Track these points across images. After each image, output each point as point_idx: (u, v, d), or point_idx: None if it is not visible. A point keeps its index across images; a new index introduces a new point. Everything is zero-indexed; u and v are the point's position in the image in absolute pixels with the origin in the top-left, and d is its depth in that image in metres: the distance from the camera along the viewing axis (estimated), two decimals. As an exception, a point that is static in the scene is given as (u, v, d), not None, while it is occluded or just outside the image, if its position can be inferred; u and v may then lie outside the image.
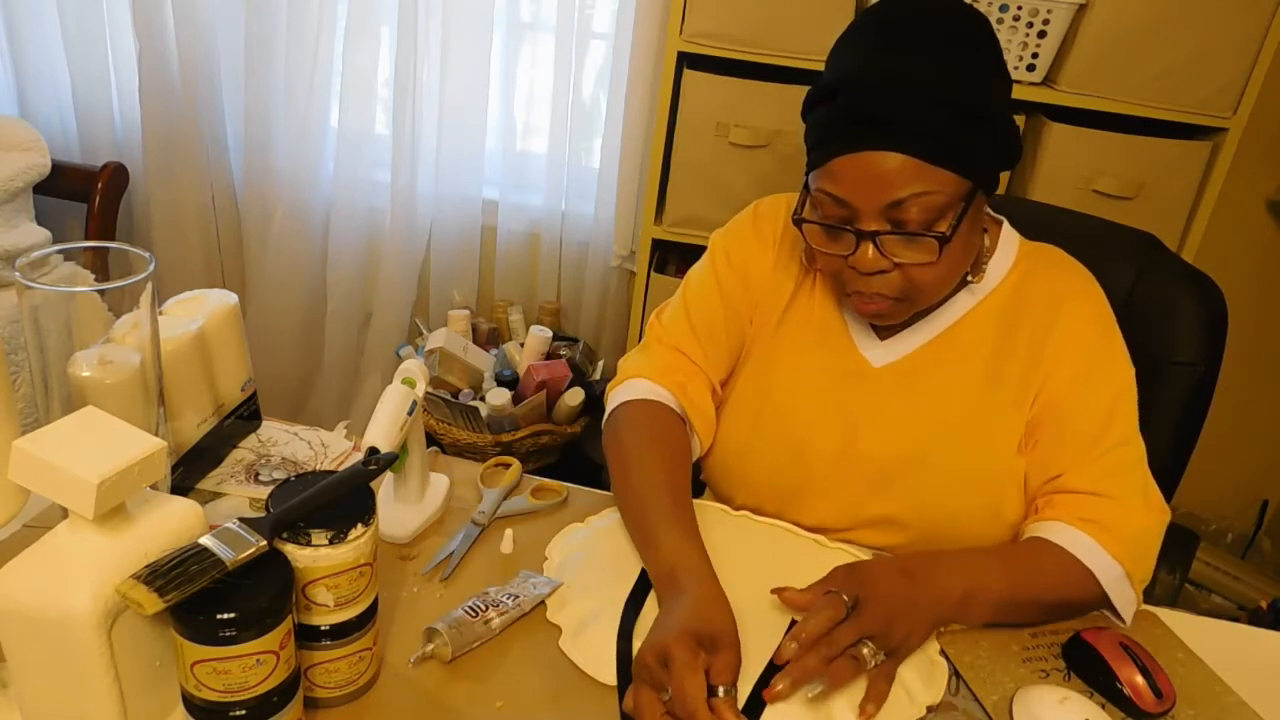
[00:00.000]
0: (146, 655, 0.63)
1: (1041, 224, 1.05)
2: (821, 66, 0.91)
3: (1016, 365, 0.94)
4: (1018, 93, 1.66)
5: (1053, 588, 0.86)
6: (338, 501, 0.68)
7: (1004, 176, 1.67)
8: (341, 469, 0.73)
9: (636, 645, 0.77)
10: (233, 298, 0.96)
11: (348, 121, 2.09)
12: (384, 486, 0.94)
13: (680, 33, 1.74)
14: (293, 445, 1.02)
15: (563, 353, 2.07)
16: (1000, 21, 1.67)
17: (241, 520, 0.63)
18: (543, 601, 0.83)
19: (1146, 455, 0.92)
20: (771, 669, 0.74)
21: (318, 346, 2.29)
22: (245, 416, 1.00)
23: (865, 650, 0.74)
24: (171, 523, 0.64)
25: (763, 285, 1.03)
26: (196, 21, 2.03)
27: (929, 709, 0.76)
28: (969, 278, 0.94)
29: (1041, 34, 1.67)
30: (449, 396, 1.95)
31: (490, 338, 2.16)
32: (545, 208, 2.14)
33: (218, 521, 0.64)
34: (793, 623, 0.79)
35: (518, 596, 0.82)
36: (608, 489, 0.98)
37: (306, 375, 2.33)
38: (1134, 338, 0.95)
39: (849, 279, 0.89)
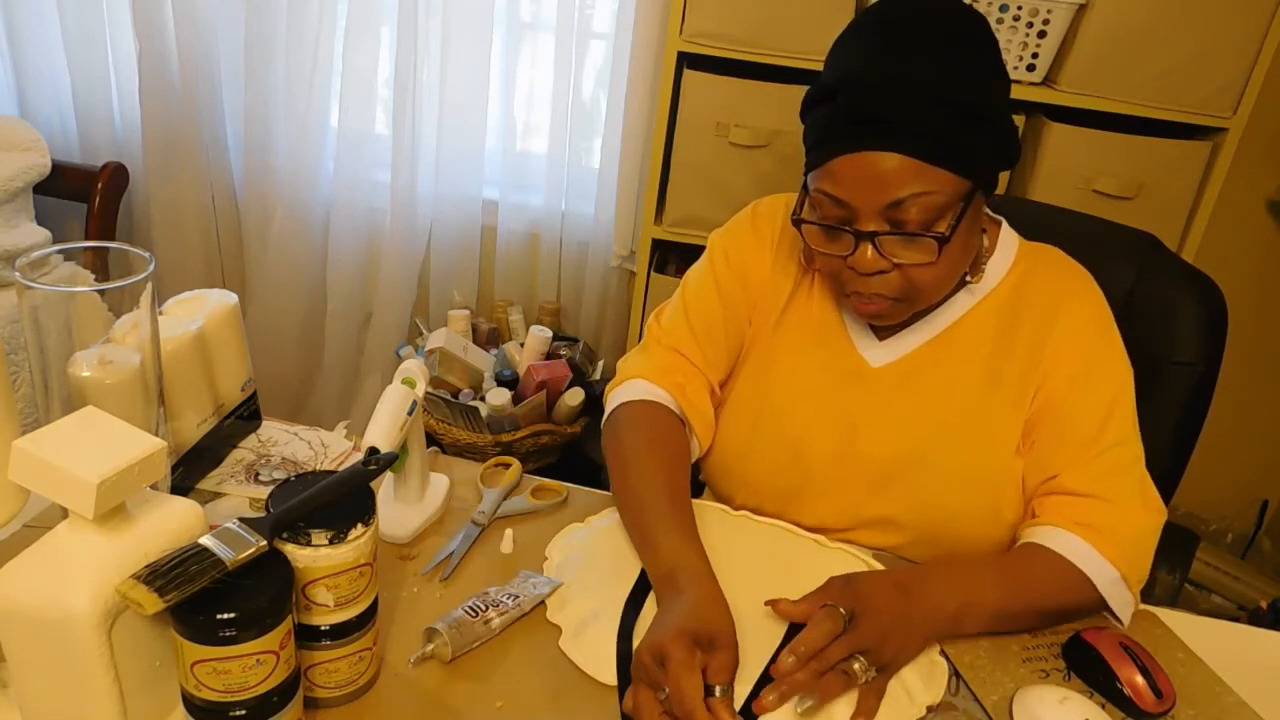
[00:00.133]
0: (146, 655, 0.63)
1: (1041, 224, 1.05)
2: (821, 66, 0.91)
3: (1015, 365, 0.94)
4: (1018, 93, 1.66)
5: (1049, 595, 0.86)
6: (338, 501, 0.68)
7: (1004, 176, 1.67)
8: (341, 469, 0.73)
9: (636, 645, 0.76)
10: (233, 298, 0.96)
11: (348, 121, 2.09)
12: (384, 486, 0.94)
13: (680, 33, 1.74)
14: (293, 445, 1.02)
15: (563, 353, 2.07)
16: (1000, 21, 1.67)
17: (241, 520, 0.63)
18: (543, 601, 0.83)
19: (1145, 456, 0.92)
20: (770, 672, 0.74)
21: (318, 346, 2.29)
22: (245, 416, 1.00)
23: (857, 665, 0.74)
24: (171, 523, 0.64)
25: (761, 285, 1.03)
26: (196, 21, 2.03)
27: (929, 709, 0.76)
28: (968, 278, 0.95)
29: (1041, 34, 1.67)
30: (449, 396, 1.95)
31: (490, 338, 2.16)
32: (545, 208, 2.14)
33: (218, 521, 0.64)
34: (791, 625, 0.79)
35: (518, 596, 0.82)
36: (608, 489, 0.98)
37: (306, 375, 2.33)
38: (1134, 338, 0.95)
39: (848, 279, 0.89)
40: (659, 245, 1.93)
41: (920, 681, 0.78)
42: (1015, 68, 1.70)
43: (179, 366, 0.86)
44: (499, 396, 1.93)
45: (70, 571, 0.58)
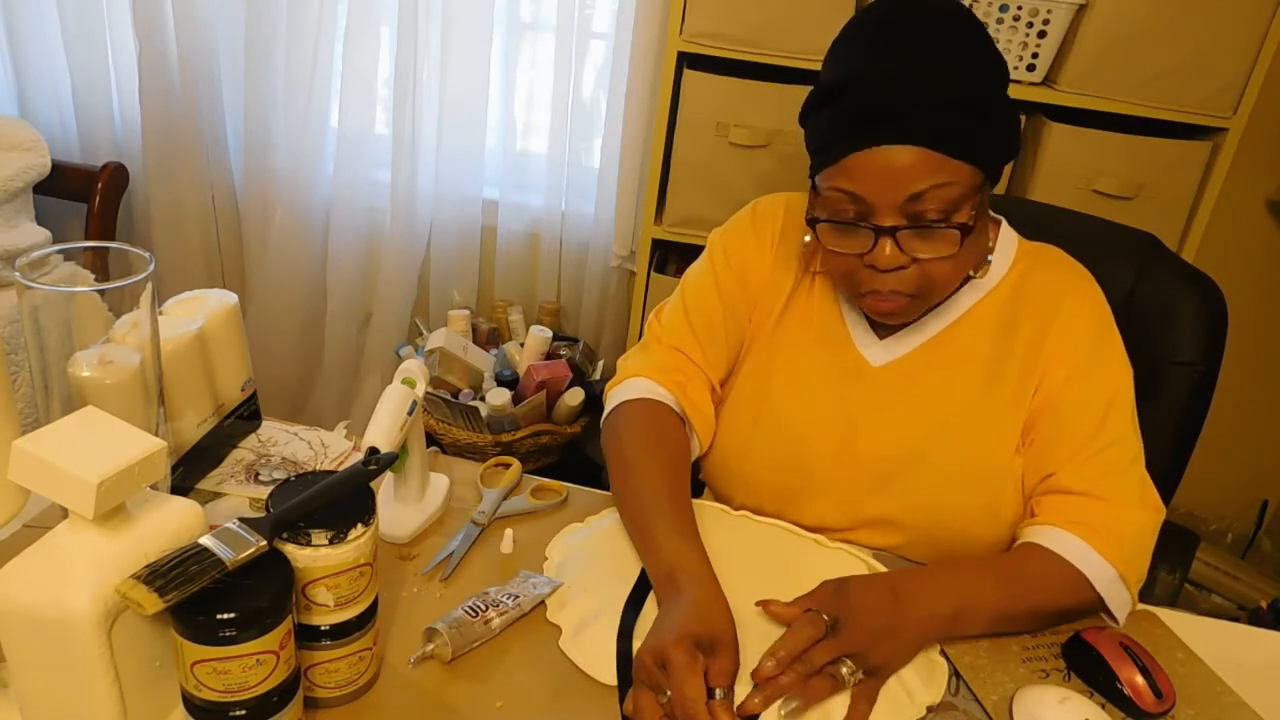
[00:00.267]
0: (146, 655, 0.63)
1: (1041, 224, 1.05)
2: (820, 67, 0.91)
3: (1015, 364, 0.94)
4: (1018, 92, 1.66)
5: (1047, 595, 0.86)
6: (338, 501, 0.68)
7: (1004, 177, 1.67)
8: (341, 469, 0.73)
9: (636, 645, 0.77)
10: (233, 298, 0.96)
11: (348, 121, 2.09)
12: (384, 486, 0.94)
13: (680, 33, 1.74)
14: (293, 445, 1.02)
15: (563, 353, 2.07)
16: (1000, 21, 1.67)
17: (241, 520, 0.63)
18: (543, 601, 0.83)
19: (1145, 456, 0.92)
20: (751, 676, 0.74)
21: (318, 346, 2.29)
22: (245, 416, 1.00)
23: (844, 669, 0.74)
24: (171, 523, 0.64)
25: (761, 285, 1.03)
26: (196, 21, 2.03)
27: (929, 709, 0.76)
28: (973, 273, 0.94)
29: (1041, 34, 1.67)
30: (449, 396, 1.95)
31: (490, 338, 2.16)
32: (545, 208, 2.14)
33: (218, 521, 0.64)
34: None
35: (518, 596, 0.82)
36: (608, 489, 0.98)
37: (306, 375, 2.33)
38: (1134, 338, 0.95)
39: (863, 279, 0.88)
40: (659, 245, 1.93)
41: (920, 681, 0.78)
42: (1015, 68, 1.70)
43: (179, 366, 0.86)
44: (499, 396, 1.93)
45: (70, 571, 0.58)
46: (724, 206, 1.15)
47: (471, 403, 1.93)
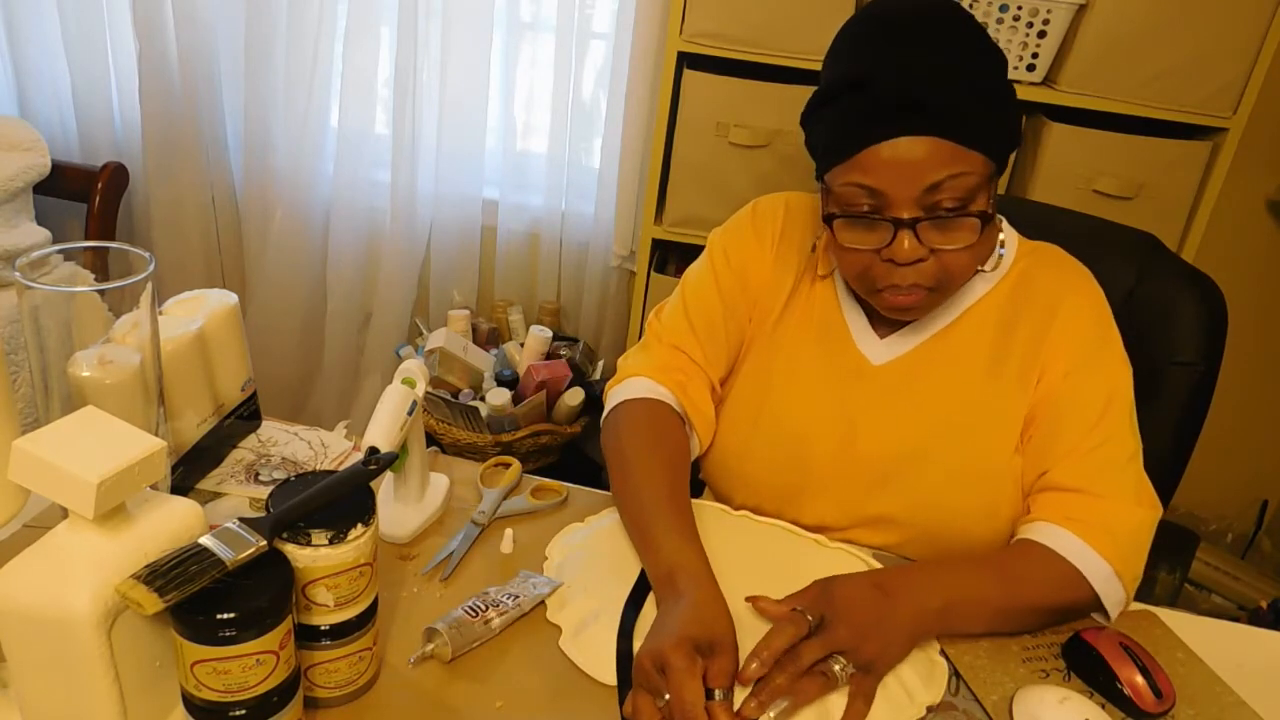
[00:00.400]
0: (146, 655, 0.63)
1: (1041, 224, 1.05)
2: (820, 66, 0.91)
3: (1015, 362, 0.94)
4: (1018, 92, 1.66)
5: (1042, 591, 0.85)
6: (338, 501, 0.68)
7: (1003, 177, 1.67)
8: (341, 469, 0.73)
9: (636, 645, 0.77)
10: (233, 298, 0.96)
11: (348, 121, 2.09)
12: (384, 486, 0.94)
13: (680, 33, 1.74)
14: (293, 445, 1.02)
15: (563, 353, 2.07)
16: (1000, 21, 1.67)
17: (241, 520, 0.63)
18: (543, 601, 0.83)
19: (1146, 456, 0.92)
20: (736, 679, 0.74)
21: (318, 346, 2.29)
22: (245, 416, 1.00)
23: (836, 666, 0.74)
24: (171, 523, 0.64)
25: (761, 284, 1.03)
26: (196, 21, 2.03)
27: (929, 709, 0.76)
28: (982, 266, 0.94)
29: (1041, 34, 1.67)
30: (449, 396, 1.95)
31: (490, 338, 2.16)
32: (545, 208, 2.14)
33: (218, 521, 0.64)
34: None
35: (518, 596, 0.82)
36: (608, 489, 0.98)
37: (306, 375, 2.33)
38: (1134, 338, 0.95)
39: (880, 274, 0.88)
40: (659, 245, 1.93)
41: (920, 681, 0.78)
42: (1015, 68, 1.70)
43: (179, 366, 0.86)
44: (499, 396, 1.93)
45: (70, 571, 0.58)
46: (724, 206, 1.15)
47: (471, 403, 1.93)
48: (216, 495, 0.92)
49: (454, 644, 0.76)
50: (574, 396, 1.97)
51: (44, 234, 1.86)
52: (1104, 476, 0.89)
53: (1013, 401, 0.93)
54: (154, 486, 0.66)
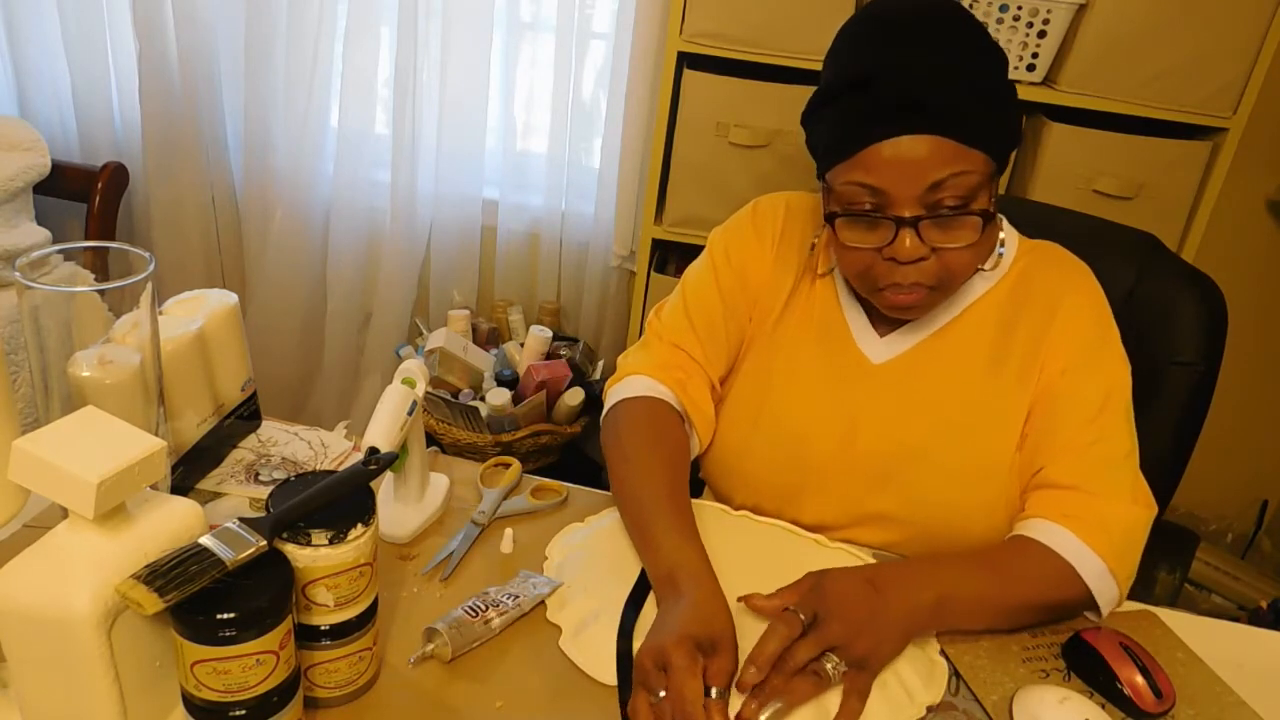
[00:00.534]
0: (146, 655, 0.63)
1: (1041, 224, 1.05)
2: (821, 66, 0.91)
3: (1015, 361, 0.94)
4: (1018, 92, 1.66)
5: (1037, 588, 0.85)
6: (338, 501, 0.68)
7: (1003, 177, 1.67)
8: (341, 469, 0.73)
9: (636, 645, 0.77)
10: (233, 298, 0.96)
11: (348, 121, 2.09)
12: (384, 486, 0.94)
13: (680, 33, 1.74)
14: (293, 445, 1.02)
15: (563, 353, 2.07)
16: (1000, 21, 1.67)
17: (241, 520, 0.63)
18: (543, 601, 0.83)
19: (1146, 456, 0.91)
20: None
21: (318, 346, 2.29)
22: (245, 416, 1.00)
23: (828, 665, 0.74)
24: (171, 523, 0.64)
25: (761, 283, 1.03)
26: (196, 21, 2.03)
27: (929, 709, 0.76)
28: (982, 266, 0.94)
29: (1041, 34, 1.67)
30: (449, 396, 1.95)
31: (490, 338, 2.16)
32: (545, 208, 2.14)
33: (218, 521, 0.64)
34: None
35: (518, 596, 0.82)
36: (608, 489, 0.98)
37: (306, 375, 2.33)
38: (1134, 337, 0.95)
39: (882, 273, 0.88)
40: (659, 245, 1.93)
41: (920, 681, 0.78)
42: (1015, 68, 1.70)
43: (179, 366, 0.86)
44: (499, 396, 1.93)
45: (70, 571, 0.58)
46: (724, 206, 1.15)
47: (471, 403, 1.93)
48: (216, 495, 0.92)
49: (454, 644, 0.76)
50: (574, 396, 1.97)
51: (44, 234, 1.86)
52: (1099, 474, 0.89)
53: (1013, 400, 0.93)
54: (154, 486, 0.66)
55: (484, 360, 2.05)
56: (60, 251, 0.70)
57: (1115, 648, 0.81)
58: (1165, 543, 0.90)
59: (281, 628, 0.62)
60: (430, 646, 0.76)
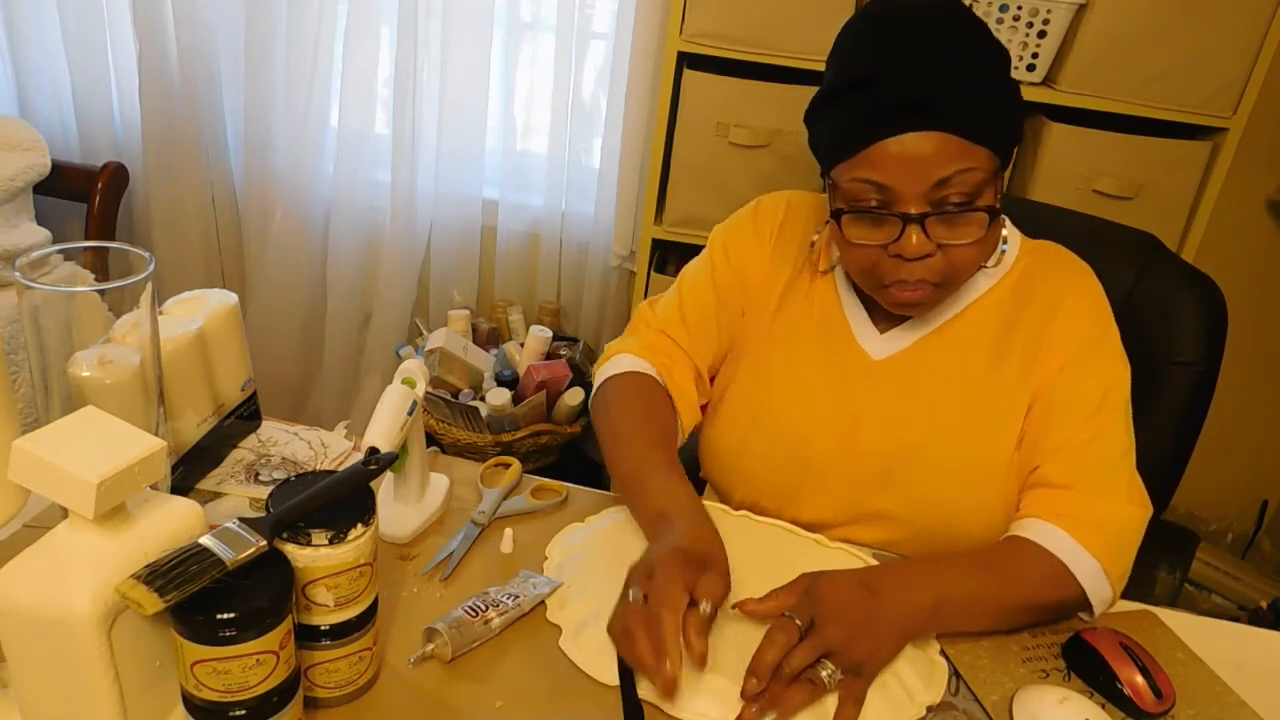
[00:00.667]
0: (146, 655, 0.63)
1: (1041, 224, 1.05)
2: (821, 66, 0.91)
3: (1016, 359, 0.94)
4: (1018, 93, 1.66)
5: (1033, 589, 0.85)
6: (338, 501, 0.68)
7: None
8: (341, 469, 0.73)
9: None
10: (233, 298, 0.96)
11: (348, 121, 2.09)
12: (384, 486, 0.94)
13: (680, 33, 1.74)
14: (293, 445, 1.02)
15: (563, 353, 2.07)
16: (1000, 21, 1.67)
17: (241, 520, 0.63)
18: (543, 601, 0.83)
19: (1145, 456, 0.91)
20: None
21: (318, 346, 2.29)
22: (245, 416, 1.00)
23: (824, 673, 0.73)
24: (171, 523, 0.64)
25: (759, 281, 1.04)
26: (196, 21, 2.03)
27: (929, 709, 0.76)
28: (985, 263, 0.95)
29: (1041, 34, 1.67)
30: (449, 396, 1.95)
31: (490, 338, 2.16)
32: (545, 208, 2.14)
33: (218, 521, 0.64)
34: None
35: (518, 596, 0.82)
36: (608, 489, 0.98)
37: (306, 375, 2.33)
38: (1134, 338, 0.95)
39: (887, 270, 0.89)
40: (659, 245, 1.93)
41: (920, 681, 0.78)
42: (1015, 68, 1.70)
43: (179, 366, 0.86)
44: (499, 396, 1.93)
45: (70, 571, 0.58)
46: (724, 206, 1.15)
47: (471, 403, 1.93)
48: (216, 495, 0.92)
49: (454, 644, 0.76)
50: (574, 396, 1.97)
51: (44, 234, 1.86)
52: (1095, 473, 0.89)
53: (1012, 398, 0.93)
54: (154, 486, 0.66)
55: (484, 360, 2.05)
56: (60, 251, 0.70)
57: (1115, 648, 0.81)
58: (1165, 543, 0.90)
59: (281, 628, 0.62)
60: (430, 646, 0.76)
